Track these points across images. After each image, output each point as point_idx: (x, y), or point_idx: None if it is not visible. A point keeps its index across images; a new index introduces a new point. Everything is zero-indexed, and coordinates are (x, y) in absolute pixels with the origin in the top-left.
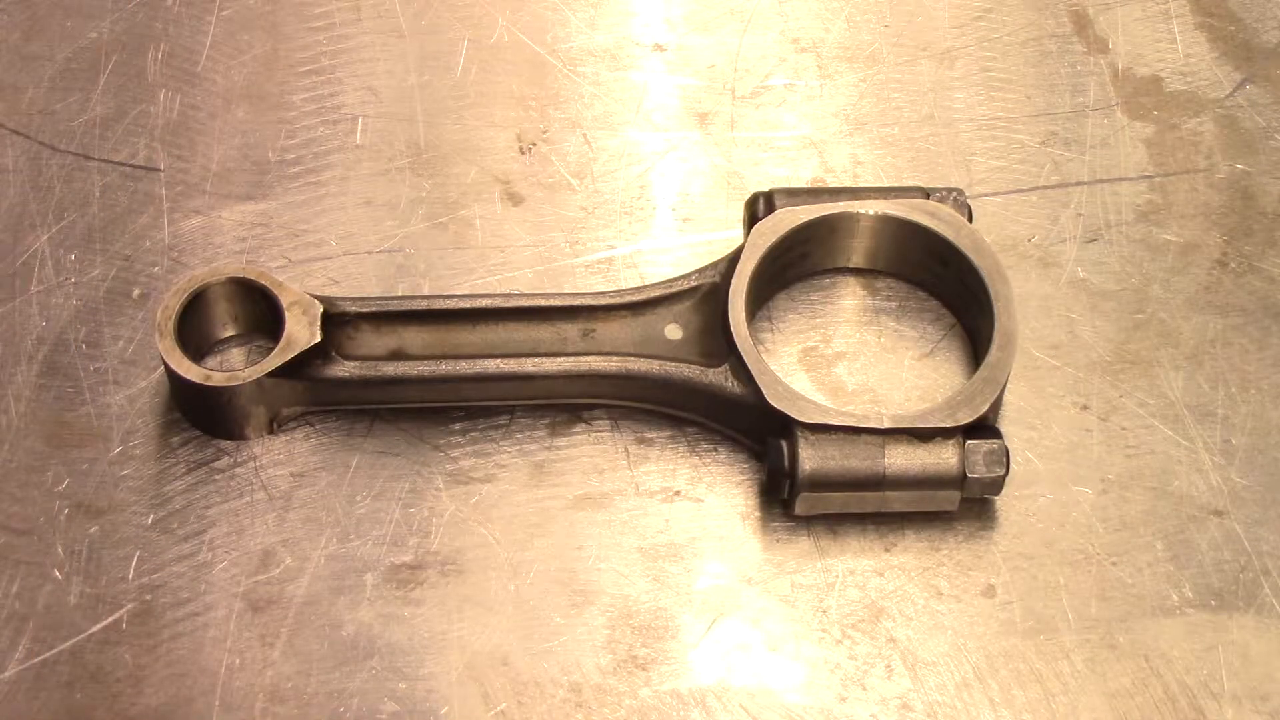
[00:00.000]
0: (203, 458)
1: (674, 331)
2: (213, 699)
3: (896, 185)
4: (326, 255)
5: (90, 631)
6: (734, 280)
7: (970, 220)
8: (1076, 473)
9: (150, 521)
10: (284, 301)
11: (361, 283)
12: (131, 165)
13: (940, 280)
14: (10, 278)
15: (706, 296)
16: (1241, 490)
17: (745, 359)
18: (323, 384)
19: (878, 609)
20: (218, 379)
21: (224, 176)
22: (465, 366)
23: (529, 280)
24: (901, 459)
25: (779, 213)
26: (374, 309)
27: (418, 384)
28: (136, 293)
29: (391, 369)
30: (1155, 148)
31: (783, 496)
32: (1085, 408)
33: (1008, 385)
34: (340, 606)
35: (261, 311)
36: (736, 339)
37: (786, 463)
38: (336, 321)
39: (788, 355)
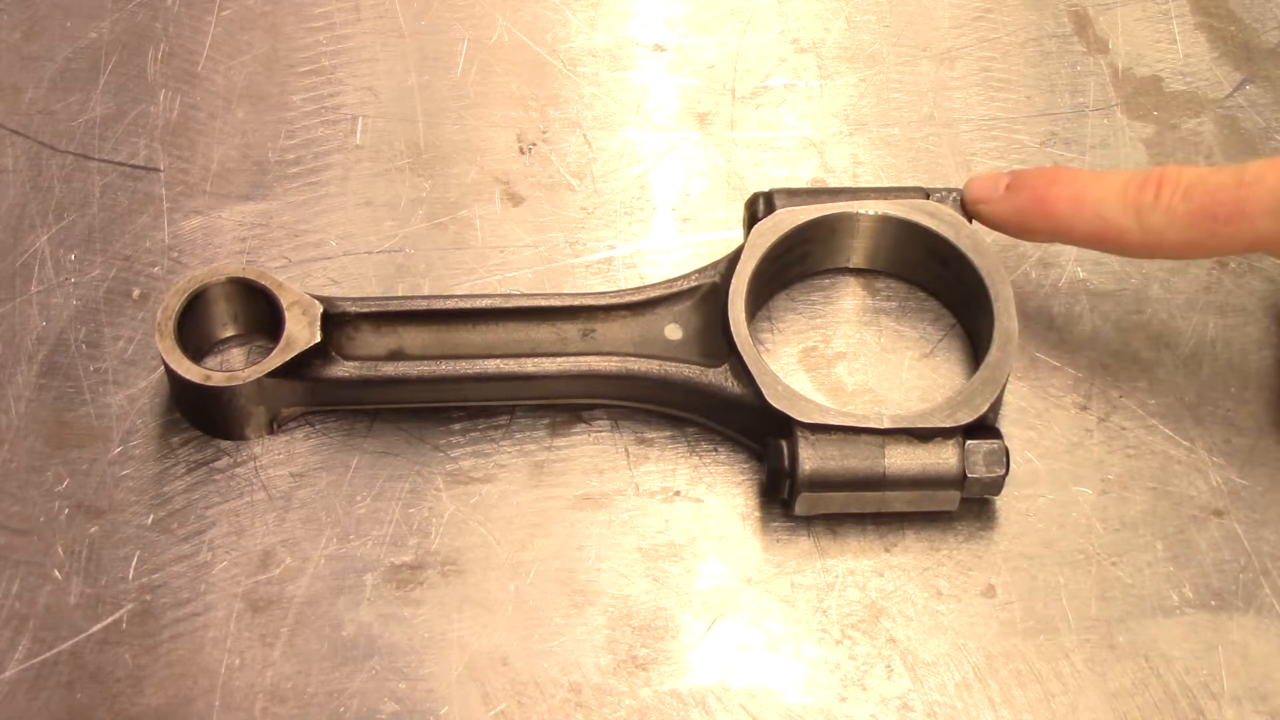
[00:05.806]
0: (203, 458)
1: (674, 331)
2: (213, 699)
3: (896, 185)
4: (326, 255)
5: (90, 631)
6: (734, 280)
7: (970, 220)
8: (1076, 473)
9: (150, 521)
10: (284, 301)
11: (361, 283)
12: (131, 165)
13: (940, 280)
14: (10, 278)
15: (706, 296)
16: (1241, 490)
17: (745, 359)
18: (323, 384)
19: (878, 609)
20: (218, 379)
21: (224, 176)
22: (465, 366)
23: (529, 280)
24: (901, 459)
25: (779, 213)
26: (374, 309)
27: (418, 384)
28: (136, 293)
29: (391, 369)
30: (1155, 148)
31: (783, 496)
32: (1085, 408)
33: (1008, 385)
34: (340, 606)
35: (261, 311)
36: (736, 339)
37: (786, 463)
38: (336, 321)
39: (788, 355)
